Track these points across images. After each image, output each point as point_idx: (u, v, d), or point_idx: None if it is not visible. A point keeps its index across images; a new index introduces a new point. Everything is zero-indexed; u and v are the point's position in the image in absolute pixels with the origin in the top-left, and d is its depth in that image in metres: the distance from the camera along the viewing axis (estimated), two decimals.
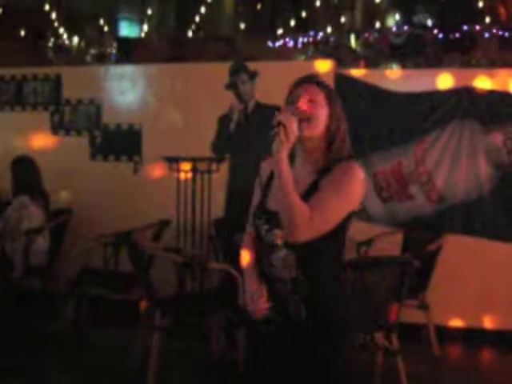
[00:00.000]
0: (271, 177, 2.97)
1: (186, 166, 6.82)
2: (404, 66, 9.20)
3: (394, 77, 6.92)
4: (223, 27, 11.63)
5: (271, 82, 6.91)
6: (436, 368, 5.97)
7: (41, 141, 7.74)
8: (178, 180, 6.89)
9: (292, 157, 2.93)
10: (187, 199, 6.82)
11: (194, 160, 6.81)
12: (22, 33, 9.53)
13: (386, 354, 5.11)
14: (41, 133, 7.76)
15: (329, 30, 10.42)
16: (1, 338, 6.16)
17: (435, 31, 10.93)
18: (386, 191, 6.79)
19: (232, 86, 7.07)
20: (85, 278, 6.42)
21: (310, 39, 10.57)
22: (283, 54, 11.26)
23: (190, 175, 6.85)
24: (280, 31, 10.79)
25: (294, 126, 2.73)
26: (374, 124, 6.80)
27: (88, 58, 10.57)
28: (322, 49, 10.28)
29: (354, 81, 6.87)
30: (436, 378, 5.75)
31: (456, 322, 6.65)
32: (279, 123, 2.71)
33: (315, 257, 2.82)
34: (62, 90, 7.71)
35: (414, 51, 10.69)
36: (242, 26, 11.40)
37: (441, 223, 6.60)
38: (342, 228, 2.85)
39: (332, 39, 10.24)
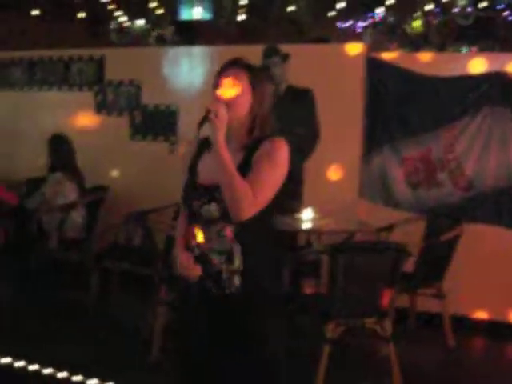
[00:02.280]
0: (196, 155, 3.12)
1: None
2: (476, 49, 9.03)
3: (426, 60, 6.79)
4: (292, 9, 11.57)
5: (303, 64, 6.93)
6: (447, 358, 5.88)
7: (85, 120, 8.01)
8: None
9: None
10: None
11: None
12: (82, 15, 9.76)
13: (378, 339, 5.08)
14: (85, 112, 8.02)
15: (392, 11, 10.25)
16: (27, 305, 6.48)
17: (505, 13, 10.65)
18: (414, 177, 6.72)
19: (264, 68, 7.09)
20: (111, 253, 6.65)
21: (370, 20, 10.44)
22: (349, 35, 11.20)
23: None
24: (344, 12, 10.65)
25: (222, 111, 2.86)
26: (405, 108, 6.72)
27: (150, 40, 10.77)
28: (380, 30, 10.15)
29: (384, 64, 6.80)
30: (444, 368, 5.67)
31: (477, 314, 6.54)
32: (209, 111, 2.85)
33: (250, 227, 2.91)
34: (105, 71, 7.94)
35: (483, 34, 10.45)
36: (311, 7, 11.37)
37: (468, 211, 6.49)
38: (273, 198, 2.97)
39: (391, 20, 10.08)
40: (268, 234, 3.05)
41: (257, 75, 3.04)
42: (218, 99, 2.93)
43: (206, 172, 3.02)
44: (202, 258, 2.98)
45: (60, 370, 5.01)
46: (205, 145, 3.08)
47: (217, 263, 2.95)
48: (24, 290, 6.86)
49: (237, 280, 2.93)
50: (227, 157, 2.83)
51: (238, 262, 2.92)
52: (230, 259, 2.93)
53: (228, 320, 2.99)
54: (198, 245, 2.99)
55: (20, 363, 5.11)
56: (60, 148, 7.08)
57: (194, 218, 3.02)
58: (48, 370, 5.02)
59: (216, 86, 3.02)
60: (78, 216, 7.04)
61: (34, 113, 8.32)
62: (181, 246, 3.12)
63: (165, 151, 7.62)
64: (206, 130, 2.89)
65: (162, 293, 5.51)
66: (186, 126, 7.50)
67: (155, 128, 7.70)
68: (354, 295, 4.87)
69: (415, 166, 6.70)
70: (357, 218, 6.52)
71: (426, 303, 6.21)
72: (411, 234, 6.23)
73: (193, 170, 3.10)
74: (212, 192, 2.92)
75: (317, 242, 6.23)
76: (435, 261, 5.99)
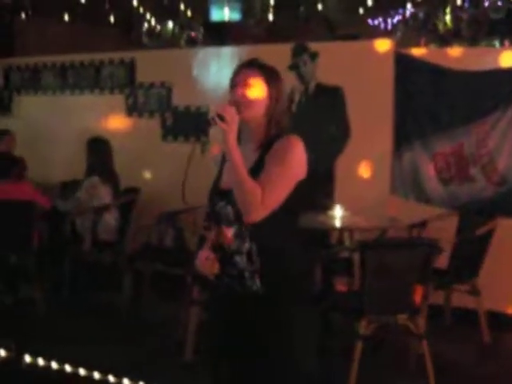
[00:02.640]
0: (224, 158, 3.16)
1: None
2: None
3: (455, 55, 6.74)
4: (322, 6, 11.54)
5: (332, 62, 6.93)
6: (483, 355, 5.81)
7: (116, 123, 8.09)
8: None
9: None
10: None
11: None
12: (113, 19, 9.85)
13: (410, 336, 5.05)
14: (116, 115, 8.11)
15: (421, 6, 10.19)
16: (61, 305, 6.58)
17: None
18: (446, 173, 6.67)
19: (294, 67, 7.11)
20: (143, 254, 6.69)
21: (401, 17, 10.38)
22: (379, 32, 11.15)
23: None
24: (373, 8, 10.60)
25: (231, 114, 2.90)
26: (435, 104, 6.68)
27: (182, 43, 10.83)
28: (411, 25, 10.08)
29: (414, 60, 6.76)
30: (480, 366, 5.59)
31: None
32: (218, 115, 2.90)
33: (266, 229, 2.92)
34: (135, 74, 8.01)
35: None
36: (341, 4, 11.33)
37: (501, 206, 6.42)
38: (290, 198, 2.95)
39: (421, 15, 10.02)
40: (288, 233, 3.03)
41: (271, 75, 3.07)
42: (239, 99, 2.98)
43: (226, 175, 3.07)
44: (226, 257, 3.01)
45: (94, 370, 5.05)
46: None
47: (239, 263, 2.97)
48: (58, 292, 6.91)
49: (258, 279, 2.95)
50: (238, 159, 2.86)
51: (258, 262, 2.94)
52: (250, 259, 2.95)
53: (251, 319, 2.99)
54: (226, 245, 3.01)
55: (55, 365, 5.17)
56: (98, 150, 7.13)
57: (217, 220, 3.05)
58: (83, 372, 5.07)
59: (232, 86, 3.06)
60: (111, 218, 7.10)
61: (67, 117, 8.43)
62: (206, 246, 3.13)
63: (196, 152, 7.62)
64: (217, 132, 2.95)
65: (194, 293, 5.53)
66: (217, 126, 7.51)
67: (186, 129, 7.75)
68: (385, 292, 4.86)
69: (447, 161, 6.65)
70: (388, 214, 6.48)
71: (461, 299, 6.15)
72: (444, 230, 6.17)
73: (219, 173, 3.19)
74: (228, 195, 2.95)
75: (349, 239, 6.21)
76: (469, 257, 5.94)
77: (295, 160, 2.96)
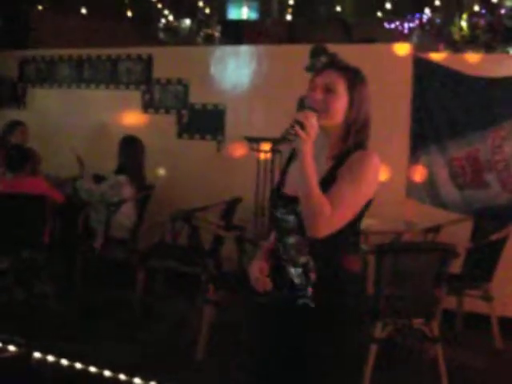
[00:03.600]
0: (287, 162, 3.04)
1: (267, 146, 6.92)
2: None
3: (474, 61, 6.73)
4: (340, 9, 11.54)
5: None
6: (494, 360, 5.78)
7: (132, 118, 8.08)
8: (258, 160, 7.01)
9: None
10: (266, 179, 6.94)
11: (273, 141, 6.88)
12: (130, 14, 9.85)
13: (425, 340, 5.05)
14: (132, 111, 8.11)
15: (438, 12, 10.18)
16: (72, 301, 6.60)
17: None
18: (462, 178, 6.66)
19: (312, 68, 7.08)
20: (157, 251, 6.70)
21: (417, 21, 10.38)
22: (396, 36, 11.14)
23: (269, 155, 6.95)
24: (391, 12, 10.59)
25: (312, 121, 2.72)
26: (452, 109, 6.67)
27: (198, 40, 10.83)
28: (427, 31, 10.08)
29: (432, 65, 6.75)
30: (492, 371, 5.57)
31: None
32: (298, 122, 2.70)
33: (327, 244, 2.79)
34: (152, 70, 8.01)
35: None
36: (358, 7, 11.32)
37: None
38: (357, 217, 2.83)
39: (438, 21, 10.02)
40: (346, 248, 2.87)
41: (355, 79, 2.88)
42: (317, 104, 2.79)
43: (291, 181, 2.92)
44: (279, 268, 2.94)
45: (105, 368, 5.05)
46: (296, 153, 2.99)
47: (292, 275, 2.88)
48: (69, 288, 6.91)
49: (310, 292, 2.84)
50: (310, 169, 2.69)
51: (313, 276, 2.83)
52: (305, 272, 2.85)
53: (298, 332, 2.89)
54: (279, 254, 2.93)
55: (65, 362, 5.16)
56: (131, 150, 7.08)
57: (277, 226, 2.95)
58: (93, 369, 5.06)
59: (311, 88, 2.86)
60: (125, 215, 7.06)
61: (82, 111, 8.43)
62: (261, 254, 3.08)
63: (212, 150, 7.66)
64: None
65: (209, 292, 5.53)
66: (234, 124, 7.54)
67: (202, 127, 7.75)
68: (400, 295, 4.86)
69: (462, 166, 6.64)
70: (404, 218, 6.48)
71: (474, 304, 6.14)
72: (458, 234, 6.18)
73: (281, 177, 3.03)
74: (292, 203, 2.82)
75: (364, 242, 6.20)
76: (483, 262, 5.95)
77: (370, 179, 2.79)
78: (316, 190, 2.69)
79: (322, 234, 2.70)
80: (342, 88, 2.83)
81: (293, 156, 2.97)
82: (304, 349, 2.87)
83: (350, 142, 2.84)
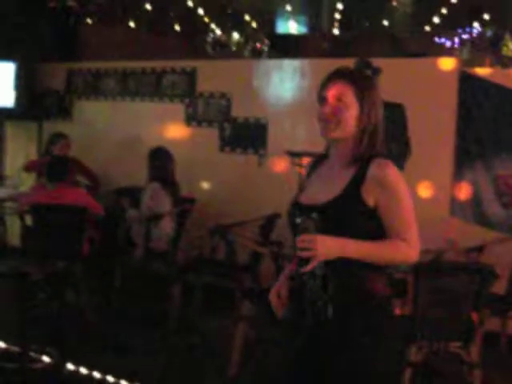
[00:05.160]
0: (310, 172, 3.09)
1: (308, 161, 6.83)
2: None
3: None
4: (390, 24, 11.46)
5: (396, 79, 6.81)
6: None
7: (175, 131, 8.08)
8: (300, 175, 6.93)
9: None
10: None
11: (315, 156, 6.81)
12: (178, 28, 9.90)
13: (462, 364, 4.89)
14: (175, 123, 8.10)
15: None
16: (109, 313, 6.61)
17: None
18: (507, 196, 6.49)
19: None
20: (195, 265, 6.65)
21: (467, 35, 10.22)
22: (446, 50, 11.00)
23: None
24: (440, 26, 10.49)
25: (322, 244, 2.68)
26: (499, 125, 6.52)
27: (246, 53, 10.81)
28: (477, 45, 9.91)
29: (478, 80, 6.60)
30: None
31: None
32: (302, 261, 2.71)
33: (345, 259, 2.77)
34: (196, 83, 8.00)
35: None
36: (408, 21, 11.23)
37: None
38: (379, 232, 2.84)
39: (489, 35, 9.82)
40: (369, 264, 2.83)
41: (364, 86, 2.86)
42: (328, 117, 2.82)
43: (309, 191, 2.97)
44: (300, 284, 2.88)
45: (137, 382, 5.01)
46: (317, 163, 3.04)
47: (312, 289, 2.82)
48: (107, 300, 6.90)
49: (330, 308, 2.79)
50: (366, 252, 2.75)
51: (332, 289, 2.78)
52: (324, 286, 2.79)
53: (320, 348, 2.85)
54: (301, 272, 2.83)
55: (97, 374, 5.14)
56: (159, 161, 7.08)
57: (295, 235, 2.86)
58: (125, 382, 5.03)
59: (320, 101, 2.88)
60: (165, 227, 7.03)
61: (126, 123, 8.47)
62: (283, 276, 3.05)
63: (254, 164, 7.61)
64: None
65: (242, 308, 5.45)
66: (276, 139, 7.48)
67: (245, 141, 7.71)
68: (438, 317, 4.72)
69: (508, 184, 6.48)
70: (447, 236, 6.33)
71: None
72: (503, 254, 6.00)
73: (300, 189, 3.07)
74: (308, 212, 2.80)
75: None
76: None
77: (403, 189, 2.85)
78: (377, 252, 2.76)
79: (414, 259, 2.82)
80: (351, 97, 2.83)
81: (313, 169, 3.04)
82: (328, 372, 2.82)
83: (363, 148, 2.85)
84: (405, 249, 2.77)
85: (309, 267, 2.67)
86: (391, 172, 2.81)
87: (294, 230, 2.87)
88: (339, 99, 2.82)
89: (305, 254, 2.65)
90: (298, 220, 2.82)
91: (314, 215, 2.75)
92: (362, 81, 2.88)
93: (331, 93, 2.84)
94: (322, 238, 2.66)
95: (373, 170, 2.79)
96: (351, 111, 2.82)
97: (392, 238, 2.80)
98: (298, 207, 2.92)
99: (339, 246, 2.69)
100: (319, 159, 3.05)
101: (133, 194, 7.32)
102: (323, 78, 2.94)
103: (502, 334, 6.11)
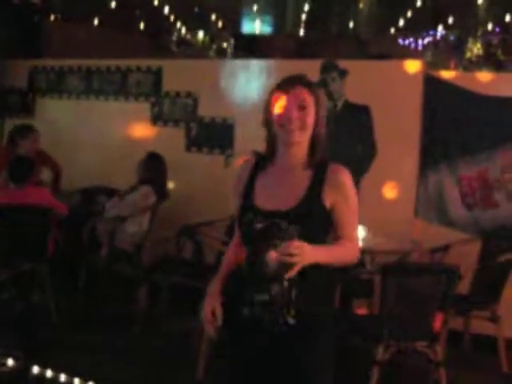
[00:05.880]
0: (253, 173, 3.04)
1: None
2: None
3: (485, 80, 6.67)
4: (354, 25, 11.50)
5: (361, 80, 6.86)
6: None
7: (140, 131, 8.05)
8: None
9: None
10: None
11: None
12: (142, 26, 9.85)
13: (428, 362, 4.96)
14: (141, 123, 8.07)
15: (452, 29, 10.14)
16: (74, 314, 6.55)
17: None
18: (471, 197, 6.58)
19: (322, 83, 7.04)
20: (161, 266, 6.63)
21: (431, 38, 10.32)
22: (409, 52, 11.09)
23: None
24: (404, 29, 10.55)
25: (298, 248, 2.70)
26: (462, 128, 6.60)
27: (211, 53, 10.81)
28: (441, 47, 10.03)
29: (443, 83, 6.68)
30: None
31: None
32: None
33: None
34: (162, 82, 7.97)
35: None
36: (372, 23, 11.28)
37: None
38: (330, 224, 2.98)
39: (452, 38, 9.96)
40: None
41: (318, 92, 2.96)
42: (293, 122, 2.87)
43: (266, 196, 2.95)
44: (260, 284, 2.85)
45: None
46: (260, 164, 3.03)
47: (275, 292, 2.81)
48: (71, 301, 6.85)
49: (292, 308, 2.81)
50: (325, 258, 2.85)
51: (296, 291, 2.81)
52: (290, 289, 2.80)
53: (283, 350, 2.89)
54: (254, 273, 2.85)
55: (64, 376, 5.10)
56: (156, 164, 7.06)
57: (250, 241, 2.90)
58: None
59: (283, 106, 2.90)
60: (130, 227, 7.00)
61: (90, 122, 8.41)
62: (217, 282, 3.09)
63: (220, 164, 7.61)
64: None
65: None
66: (243, 139, 7.48)
67: (211, 141, 7.70)
68: (404, 317, 4.78)
69: (471, 185, 6.57)
70: (412, 237, 6.40)
71: (481, 326, 6.04)
72: (466, 254, 6.10)
73: (249, 191, 3.00)
74: (275, 218, 2.82)
75: (370, 261, 6.11)
76: (490, 283, 5.86)
77: (353, 192, 2.97)
78: (336, 256, 2.92)
79: (357, 257, 3.02)
80: (311, 103, 2.90)
81: (258, 168, 3.03)
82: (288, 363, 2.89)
83: (318, 152, 2.95)
84: (353, 250, 2.98)
85: (291, 273, 2.71)
86: (347, 177, 2.95)
87: (250, 234, 2.88)
88: (302, 105, 2.88)
89: (291, 260, 2.67)
90: (259, 225, 2.84)
91: (281, 221, 2.78)
92: (317, 90, 2.98)
93: (294, 98, 2.89)
94: (307, 246, 2.72)
95: (330, 174, 2.93)
96: (311, 117, 2.90)
97: (340, 237, 2.95)
98: (257, 212, 2.91)
99: (314, 253, 2.76)
100: (260, 161, 3.04)
101: (103, 195, 7.32)
102: (276, 82, 3.00)
103: (466, 333, 6.20)
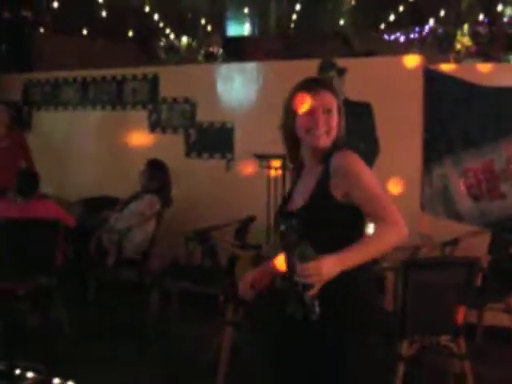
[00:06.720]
0: (294, 182, 3.13)
1: (276, 163, 6.87)
2: None
3: (485, 71, 6.69)
4: (339, 23, 11.52)
5: (360, 78, 6.88)
6: None
7: (139, 139, 8.02)
8: (268, 177, 6.94)
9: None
10: (277, 196, 6.87)
11: (284, 157, 6.84)
12: (130, 33, 9.81)
13: (453, 357, 4.97)
14: (139, 131, 8.05)
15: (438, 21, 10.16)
16: (87, 325, 6.51)
17: None
18: (477, 189, 6.61)
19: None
20: (171, 272, 6.61)
21: (417, 34, 10.35)
22: (396, 48, 11.12)
23: (279, 172, 6.89)
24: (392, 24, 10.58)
25: (324, 272, 2.60)
26: (465, 120, 6.63)
27: (199, 58, 10.78)
28: (429, 43, 10.06)
29: (443, 76, 6.71)
30: None
31: None
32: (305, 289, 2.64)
33: (328, 248, 2.71)
34: (158, 89, 7.95)
35: None
36: (357, 20, 11.31)
37: None
38: (354, 215, 2.84)
39: (440, 31, 9.99)
40: None
41: (339, 96, 2.96)
42: (321, 127, 2.85)
43: (291, 199, 3.04)
44: (287, 283, 2.83)
45: None
46: (298, 173, 3.09)
47: (299, 287, 2.73)
48: (83, 312, 6.81)
49: (317, 304, 2.71)
50: (357, 260, 2.69)
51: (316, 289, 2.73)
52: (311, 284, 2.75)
53: (304, 344, 2.89)
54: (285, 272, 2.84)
55: None
56: (160, 172, 7.05)
57: (282, 243, 2.87)
58: None
59: (308, 111, 2.88)
60: (137, 237, 6.98)
61: (88, 132, 8.38)
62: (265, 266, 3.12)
63: (221, 169, 7.60)
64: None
65: (227, 313, 5.43)
66: (243, 142, 7.48)
67: (211, 145, 7.69)
68: (428, 312, 4.77)
69: (477, 177, 6.60)
70: (419, 232, 6.41)
71: (495, 318, 6.07)
72: (476, 247, 6.10)
73: (286, 195, 3.12)
74: (287, 218, 2.76)
75: (381, 257, 6.11)
76: (504, 275, 5.88)
77: (368, 172, 2.83)
78: (371, 250, 2.71)
79: (406, 235, 2.73)
80: (335, 107, 2.90)
81: (297, 176, 3.08)
82: (307, 362, 2.88)
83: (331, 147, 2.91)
84: (392, 230, 2.72)
85: (313, 292, 2.61)
86: (351, 160, 2.83)
87: (280, 236, 2.86)
88: (328, 109, 2.87)
89: (310, 280, 2.59)
90: (282, 227, 2.81)
91: (294, 221, 2.73)
92: (340, 97, 2.97)
93: (320, 103, 2.87)
94: (325, 262, 2.59)
95: (334, 163, 2.84)
96: (335, 120, 2.89)
97: (375, 223, 2.78)
98: (284, 215, 2.88)
99: (339, 263, 2.64)
100: (300, 166, 3.08)
101: (105, 205, 7.28)
102: (298, 85, 2.98)
103: (479, 326, 6.22)
